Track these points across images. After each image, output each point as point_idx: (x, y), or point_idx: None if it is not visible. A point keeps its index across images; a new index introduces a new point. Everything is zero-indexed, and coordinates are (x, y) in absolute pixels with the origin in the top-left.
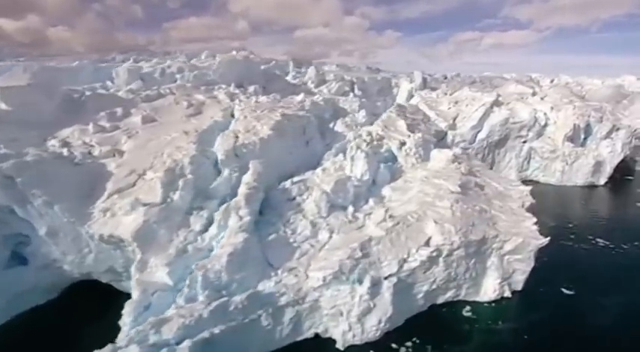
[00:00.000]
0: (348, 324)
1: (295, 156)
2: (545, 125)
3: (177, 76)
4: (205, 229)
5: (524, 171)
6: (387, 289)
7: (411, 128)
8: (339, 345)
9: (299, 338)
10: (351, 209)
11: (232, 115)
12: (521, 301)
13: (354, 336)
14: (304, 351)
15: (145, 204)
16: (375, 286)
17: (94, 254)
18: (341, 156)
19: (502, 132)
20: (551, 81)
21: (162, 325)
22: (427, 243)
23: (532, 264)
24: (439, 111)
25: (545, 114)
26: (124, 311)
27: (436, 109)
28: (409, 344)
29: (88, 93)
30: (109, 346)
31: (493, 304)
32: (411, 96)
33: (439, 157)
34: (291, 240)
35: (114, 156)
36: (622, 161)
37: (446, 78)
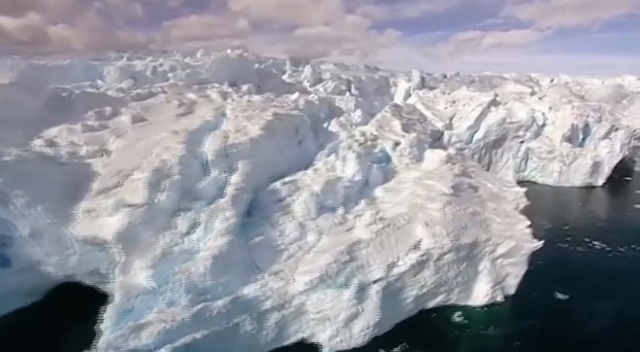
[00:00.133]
0: (334, 329)
1: (287, 156)
2: (543, 125)
3: (170, 74)
4: (191, 231)
5: (521, 171)
6: (374, 293)
7: (406, 128)
8: (326, 350)
9: (284, 343)
10: (341, 210)
11: (224, 115)
12: (514, 306)
13: (340, 341)
14: None
15: (129, 205)
16: (363, 290)
17: (77, 255)
18: (333, 156)
19: (499, 132)
20: (551, 80)
21: (141, 330)
22: (417, 247)
23: (525, 268)
24: (436, 111)
25: (543, 114)
26: (105, 315)
27: (433, 109)
28: (397, 349)
29: (76, 91)
30: None
31: (485, 309)
32: (408, 95)
33: (432, 158)
34: (279, 242)
35: (101, 156)
36: (620, 161)
37: (445, 77)
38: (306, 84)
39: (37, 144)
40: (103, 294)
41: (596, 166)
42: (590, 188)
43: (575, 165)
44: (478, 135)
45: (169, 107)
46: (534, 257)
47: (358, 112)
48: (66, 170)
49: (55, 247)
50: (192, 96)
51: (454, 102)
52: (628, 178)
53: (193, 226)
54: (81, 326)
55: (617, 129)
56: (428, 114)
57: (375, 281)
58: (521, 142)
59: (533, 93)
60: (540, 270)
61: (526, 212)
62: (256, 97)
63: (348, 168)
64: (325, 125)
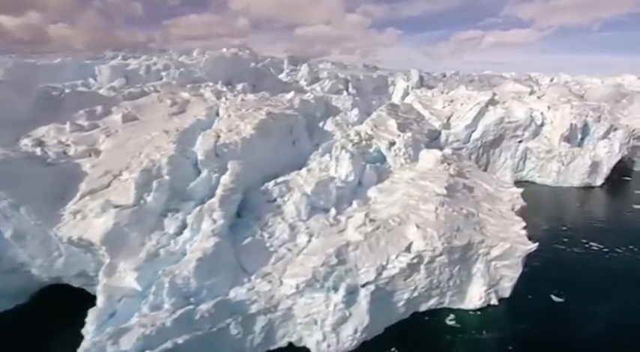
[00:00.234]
0: (322, 333)
1: (281, 156)
2: (542, 124)
3: (163, 73)
4: (180, 232)
5: (519, 171)
6: (364, 297)
7: (402, 127)
8: None
9: (271, 348)
10: (333, 211)
11: (217, 114)
12: (508, 309)
13: (328, 346)
14: None
15: (116, 206)
16: (352, 294)
17: (64, 257)
18: (328, 156)
19: (497, 132)
20: (551, 80)
21: (120, 335)
22: (408, 249)
23: (520, 271)
24: (433, 110)
25: (541, 113)
26: (87, 319)
27: (430, 108)
28: None
29: (67, 90)
30: None
31: (478, 312)
32: (406, 94)
33: (428, 158)
34: (268, 244)
35: (90, 156)
36: (620, 161)
37: (444, 76)
38: (302, 83)
39: (25, 143)
40: (92, 297)
41: (594, 166)
42: (588, 188)
43: (574, 165)
44: (476, 135)
45: (162, 106)
46: (530, 258)
47: (355, 111)
48: (53, 170)
49: (40, 249)
50: (185, 95)
51: (452, 101)
52: (627, 178)
53: (182, 228)
54: (67, 329)
55: (616, 129)
56: (425, 113)
57: (364, 285)
58: (520, 142)
59: (532, 93)
60: (536, 272)
61: (523, 212)
62: (250, 96)
63: (342, 169)
64: (321, 124)
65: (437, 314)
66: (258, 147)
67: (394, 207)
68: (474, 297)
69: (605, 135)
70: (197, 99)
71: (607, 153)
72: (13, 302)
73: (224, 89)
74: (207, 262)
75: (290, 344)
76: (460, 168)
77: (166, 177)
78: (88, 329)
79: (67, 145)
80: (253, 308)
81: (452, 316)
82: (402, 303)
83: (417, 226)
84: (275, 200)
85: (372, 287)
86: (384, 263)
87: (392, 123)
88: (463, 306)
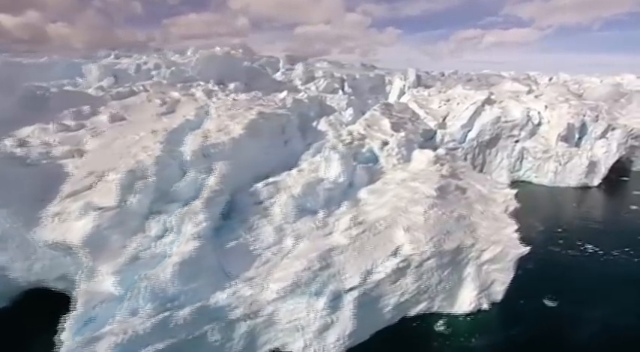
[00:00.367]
0: (306, 339)
1: (272, 156)
2: (539, 124)
3: (154, 72)
4: (163, 235)
5: (516, 171)
6: (348, 303)
7: (396, 127)
8: None
9: None
10: (321, 214)
11: (208, 114)
12: (500, 313)
13: None
14: None
15: (98, 208)
16: (336, 299)
17: (44, 261)
18: (319, 156)
19: (493, 132)
20: (550, 79)
21: (98, 341)
22: (395, 253)
23: (512, 274)
24: (429, 110)
25: (539, 112)
26: (64, 325)
27: (426, 107)
28: None
29: (53, 90)
30: None
31: (469, 317)
32: (402, 93)
33: (420, 158)
34: (253, 248)
35: (74, 156)
36: (617, 161)
37: (443, 75)
38: (297, 82)
39: (7, 144)
40: (75, 300)
41: (592, 166)
42: (585, 188)
43: (571, 165)
44: (471, 135)
45: (151, 106)
46: (523, 261)
47: (349, 111)
48: (36, 171)
49: (19, 252)
50: (175, 94)
51: (448, 100)
52: (625, 178)
53: (165, 230)
54: (48, 333)
55: (614, 129)
56: (421, 112)
57: (348, 290)
58: (516, 142)
59: (530, 92)
60: (529, 275)
61: (519, 213)
62: (242, 96)
63: (331, 169)
64: (314, 124)
65: (426, 319)
66: (248, 148)
67: (383, 210)
68: (465, 302)
69: (603, 135)
70: (187, 98)
71: (604, 153)
72: None
73: (216, 88)
74: (188, 266)
75: (273, 351)
76: (453, 168)
77: (151, 179)
78: (66, 335)
79: (51, 146)
80: (234, 314)
81: (442, 321)
82: (389, 308)
83: (405, 229)
84: (263, 202)
85: (357, 292)
86: (370, 267)
87: (385, 123)
88: (453, 311)
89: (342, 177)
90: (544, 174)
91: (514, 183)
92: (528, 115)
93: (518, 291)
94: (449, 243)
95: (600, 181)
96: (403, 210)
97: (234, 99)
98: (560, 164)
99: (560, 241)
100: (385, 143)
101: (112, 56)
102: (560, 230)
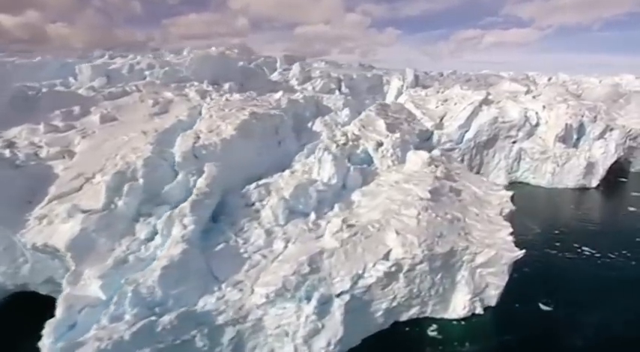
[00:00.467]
0: (294, 346)
1: (265, 157)
2: (537, 125)
3: (147, 72)
4: (152, 238)
5: (513, 172)
6: (338, 307)
7: (392, 128)
8: None
9: None
10: (313, 216)
11: (201, 114)
12: (494, 318)
13: None
14: None
15: (84, 211)
16: (325, 304)
17: (29, 264)
18: (312, 157)
19: (490, 132)
20: (549, 79)
21: (78, 348)
22: (386, 257)
23: (506, 278)
24: (426, 110)
25: (536, 113)
26: (43, 332)
27: (423, 108)
28: None
29: (44, 90)
30: None
31: (462, 322)
32: (400, 94)
33: (414, 160)
34: (242, 251)
35: (63, 157)
36: (615, 162)
37: (442, 75)
38: (294, 82)
39: None
40: None
41: (590, 167)
42: (583, 190)
43: (569, 166)
44: (469, 135)
45: (143, 106)
46: (519, 264)
47: (346, 111)
48: (22, 173)
49: (5, 255)
50: (168, 95)
51: (446, 100)
52: (623, 179)
53: (154, 233)
54: (33, 338)
55: (612, 129)
56: (417, 113)
57: (338, 295)
58: (514, 142)
59: (528, 92)
60: (525, 279)
61: (516, 215)
62: (236, 96)
63: (324, 171)
64: (310, 125)
65: (418, 324)
66: (240, 149)
67: (375, 212)
68: (458, 306)
69: (601, 136)
70: (181, 99)
71: (603, 153)
72: None
73: (210, 89)
74: (175, 270)
75: None
76: (448, 170)
77: (140, 180)
78: (44, 343)
79: (40, 147)
80: (221, 319)
81: (434, 326)
82: (380, 313)
83: (397, 232)
84: (254, 204)
85: (347, 296)
86: (361, 271)
87: (380, 124)
88: (446, 316)
89: (335, 179)
90: (542, 176)
91: (512, 184)
92: (526, 116)
93: (514, 295)
94: (442, 246)
95: (598, 182)
96: (395, 212)
97: (227, 100)
98: (557, 165)
99: (557, 243)
100: (380, 144)
101: (107, 56)
102: (557, 232)
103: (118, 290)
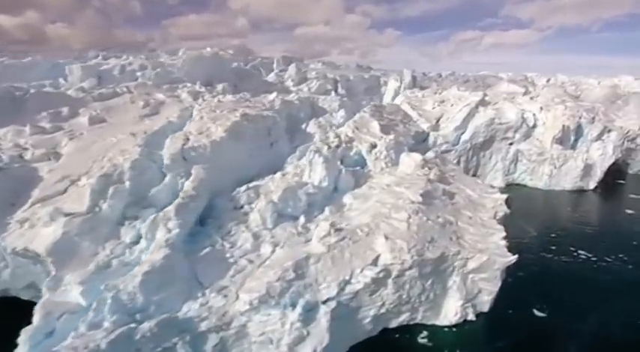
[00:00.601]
0: None
1: (257, 159)
2: (534, 126)
3: (139, 73)
4: (137, 241)
5: (510, 174)
6: (324, 314)
7: (386, 129)
8: None
9: None
10: (302, 219)
11: (192, 116)
12: (486, 325)
13: None
14: None
15: (67, 214)
16: (310, 311)
17: (10, 269)
18: (304, 159)
19: (487, 134)
20: (548, 80)
21: None
22: (375, 262)
23: (499, 284)
24: (422, 111)
25: (534, 114)
26: (19, 339)
27: (419, 109)
28: None
29: (32, 91)
30: None
31: (454, 328)
32: (397, 95)
33: (408, 162)
34: (228, 255)
35: (49, 159)
36: (613, 164)
37: (440, 76)
38: (289, 83)
39: None
40: None
41: (587, 169)
42: (581, 192)
43: (566, 167)
44: (465, 137)
45: (133, 107)
46: (513, 269)
47: (341, 113)
48: (5, 175)
49: None
50: (160, 96)
51: (442, 102)
52: (621, 181)
53: (140, 237)
54: (10, 345)
55: (610, 131)
56: (413, 114)
57: (324, 301)
58: (511, 144)
59: (526, 93)
60: (519, 284)
61: (512, 218)
62: (229, 97)
63: (315, 173)
64: (304, 126)
65: (409, 330)
66: (230, 151)
67: (365, 216)
68: (450, 312)
69: (599, 137)
70: (172, 100)
71: (600, 155)
72: None
73: (202, 90)
74: (157, 275)
75: None
76: (442, 172)
77: (127, 183)
78: (22, 349)
79: (25, 148)
80: (204, 326)
81: (425, 333)
82: (368, 320)
83: (386, 237)
84: (242, 207)
85: (333, 303)
86: (348, 277)
87: (375, 125)
88: (437, 322)
89: (326, 182)
90: (539, 177)
91: (509, 186)
92: (523, 117)
93: (507, 301)
94: (432, 251)
95: (596, 184)
96: (385, 216)
97: (219, 101)
98: (555, 167)
99: (553, 247)
100: (373, 146)
101: (100, 57)
102: (553, 235)
103: (98, 296)
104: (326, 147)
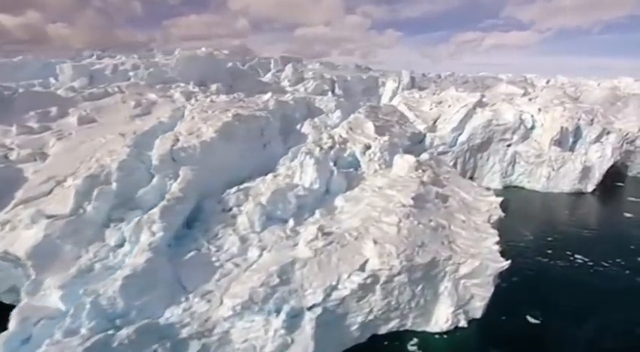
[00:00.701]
0: None
1: (249, 160)
2: (532, 128)
3: (131, 73)
4: (122, 244)
5: (508, 176)
6: (309, 321)
7: (381, 131)
8: None
9: None
10: (291, 222)
11: (184, 116)
12: (478, 331)
13: None
14: None
15: (50, 216)
16: (295, 318)
17: None
18: (297, 161)
19: (485, 135)
20: (547, 82)
21: None
22: (362, 268)
23: (492, 289)
24: (419, 112)
25: (532, 116)
26: None
27: (416, 110)
28: None
29: (20, 90)
30: None
31: (445, 335)
32: (395, 95)
33: (401, 164)
34: (214, 259)
35: (35, 160)
36: (612, 166)
37: (439, 77)
38: (285, 84)
39: None
40: None
41: (586, 171)
42: (579, 194)
43: (564, 170)
44: (462, 138)
45: (124, 107)
46: (507, 273)
47: (337, 113)
48: None
49: None
50: (152, 96)
51: (440, 103)
52: (620, 184)
53: (124, 239)
54: None
55: (609, 133)
56: (410, 115)
57: (310, 308)
58: (508, 146)
59: (525, 95)
60: (513, 289)
61: (508, 221)
62: (222, 97)
63: (306, 175)
64: (299, 127)
65: (398, 337)
66: (221, 151)
67: (355, 219)
68: (441, 319)
69: (598, 139)
70: (165, 100)
71: (599, 157)
72: None
73: (196, 90)
74: (139, 279)
75: None
76: (436, 175)
77: (114, 184)
78: None
79: (11, 149)
80: (185, 332)
81: (415, 340)
82: (356, 327)
83: (375, 241)
84: (231, 209)
85: (319, 309)
86: (334, 283)
87: (369, 126)
88: (428, 329)
89: (317, 184)
90: (537, 180)
91: (506, 189)
92: (521, 118)
93: (500, 307)
94: (422, 256)
95: (594, 187)
96: (375, 219)
97: (212, 101)
98: (553, 169)
99: (549, 251)
100: (367, 147)
101: (95, 57)
102: (549, 239)
103: (77, 300)
104: (318, 149)
